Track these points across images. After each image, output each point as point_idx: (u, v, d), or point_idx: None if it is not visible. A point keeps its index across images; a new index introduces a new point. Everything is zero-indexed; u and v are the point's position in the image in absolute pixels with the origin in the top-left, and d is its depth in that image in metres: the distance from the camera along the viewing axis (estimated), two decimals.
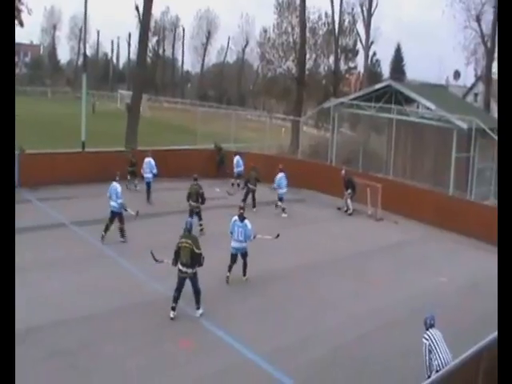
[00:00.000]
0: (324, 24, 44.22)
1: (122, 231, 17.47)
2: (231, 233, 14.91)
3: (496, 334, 9.15)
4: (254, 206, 22.19)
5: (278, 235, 15.74)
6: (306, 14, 41.23)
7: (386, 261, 17.83)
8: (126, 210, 17.46)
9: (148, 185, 22.68)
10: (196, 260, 12.38)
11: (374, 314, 13.57)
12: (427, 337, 9.45)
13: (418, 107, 27.58)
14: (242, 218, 14.86)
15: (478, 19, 40.66)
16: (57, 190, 22.31)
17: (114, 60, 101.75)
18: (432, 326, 9.59)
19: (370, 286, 15.52)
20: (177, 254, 12.49)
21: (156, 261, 12.99)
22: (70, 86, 78.39)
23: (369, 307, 13.97)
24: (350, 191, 23.08)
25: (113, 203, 17.32)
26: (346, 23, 46.07)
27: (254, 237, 15.16)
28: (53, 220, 19.06)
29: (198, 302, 12.68)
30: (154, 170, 22.72)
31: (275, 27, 43.72)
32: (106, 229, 17.29)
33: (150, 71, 73.11)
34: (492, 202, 24.36)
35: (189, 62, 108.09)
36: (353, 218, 22.99)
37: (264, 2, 52.85)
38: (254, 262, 16.22)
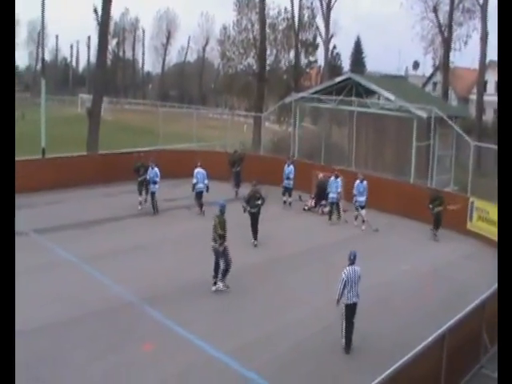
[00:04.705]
0: (284, 19, 44.16)
1: (201, 207, 20.53)
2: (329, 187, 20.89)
3: (458, 316, 9.48)
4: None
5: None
6: (266, 10, 41.27)
7: None
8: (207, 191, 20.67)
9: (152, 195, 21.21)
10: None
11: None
12: (346, 272, 11.07)
13: (378, 99, 27.78)
14: (336, 176, 20.93)
15: (435, 10, 41.58)
16: (17, 197, 21.82)
17: (74, 64, 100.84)
18: (353, 262, 11.03)
19: (334, 277, 15.54)
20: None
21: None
22: (29, 92, 77.14)
23: (332, 298, 13.99)
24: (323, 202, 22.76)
25: (200, 185, 20.26)
26: (306, 18, 45.96)
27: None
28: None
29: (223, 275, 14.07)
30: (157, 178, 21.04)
31: (235, 24, 43.60)
32: (200, 206, 20.55)
33: (111, 74, 72.42)
34: (452, 188, 24.69)
35: (149, 63, 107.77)
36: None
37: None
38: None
